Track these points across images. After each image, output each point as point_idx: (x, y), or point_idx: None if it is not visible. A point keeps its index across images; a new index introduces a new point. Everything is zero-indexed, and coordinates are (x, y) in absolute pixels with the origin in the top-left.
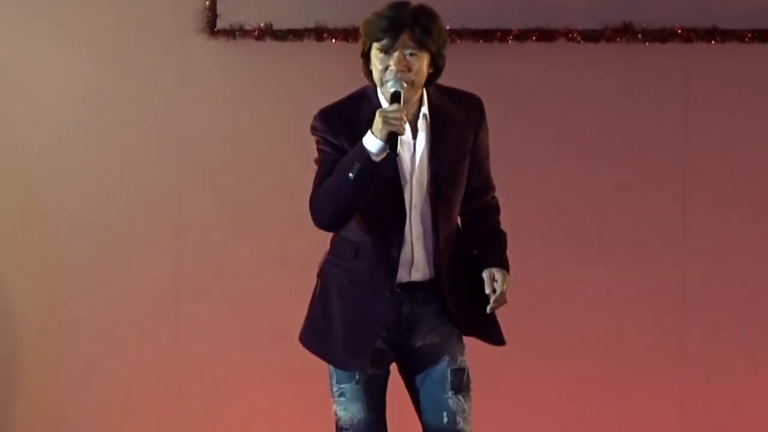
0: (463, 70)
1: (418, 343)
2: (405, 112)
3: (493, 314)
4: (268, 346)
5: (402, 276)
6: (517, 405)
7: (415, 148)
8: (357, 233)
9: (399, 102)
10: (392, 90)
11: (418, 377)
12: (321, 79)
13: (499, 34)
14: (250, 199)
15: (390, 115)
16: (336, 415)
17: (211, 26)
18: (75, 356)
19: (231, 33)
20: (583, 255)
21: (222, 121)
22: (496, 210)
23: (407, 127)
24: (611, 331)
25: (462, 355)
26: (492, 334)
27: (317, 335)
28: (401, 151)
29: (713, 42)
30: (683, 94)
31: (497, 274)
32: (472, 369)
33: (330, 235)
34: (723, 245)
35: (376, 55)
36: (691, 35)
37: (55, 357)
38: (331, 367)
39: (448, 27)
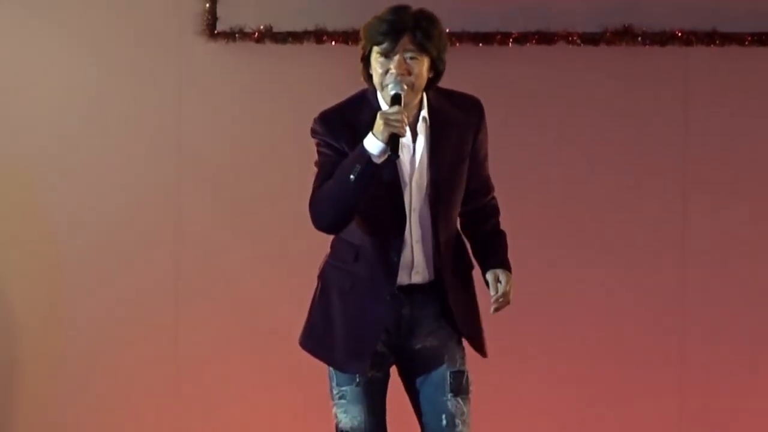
0: (463, 73)
1: (418, 346)
2: (406, 114)
3: (481, 326)
4: (267, 346)
5: (402, 279)
6: (517, 405)
7: (414, 151)
8: (357, 236)
9: (399, 104)
10: (393, 92)
11: (418, 380)
12: (320, 81)
13: (499, 37)
14: (249, 201)
15: (391, 117)
16: (336, 418)
17: (211, 29)
18: (75, 356)
19: (231, 35)
20: (583, 255)
21: (222, 124)
22: (495, 211)
23: (407, 130)
24: (611, 331)
25: (461, 357)
26: (477, 344)
27: (318, 337)
28: (401, 154)
29: (713, 45)
30: (683, 96)
31: (501, 275)
32: (472, 368)
33: (330, 236)
34: (723, 246)
35: (376, 59)
36: (691, 38)
37: (55, 357)
38: (332, 369)
39: (448, 30)
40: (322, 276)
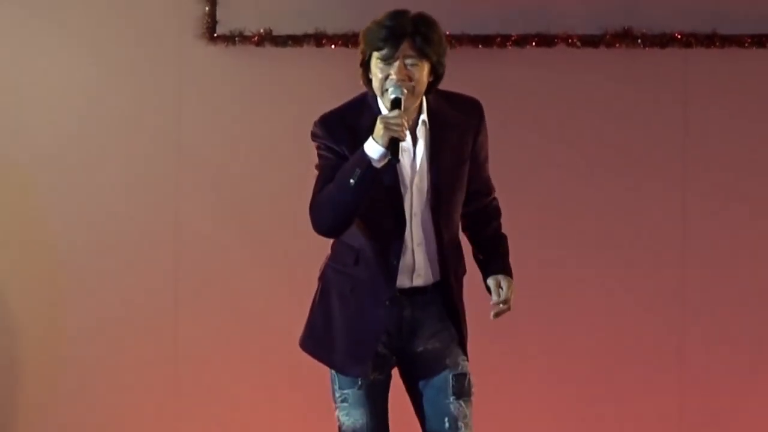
0: (463, 76)
1: (420, 348)
2: (406, 118)
3: (466, 330)
4: (267, 347)
5: (403, 282)
6: (517, 405)
7: (415, 155)
8: (357, 239)
9: (400, 108)
10: (393, 96)
11: (420, 382)
12: (320, 84)
13: (499, 39)
14: (249, 203)
15: (391, 121)
16: (338, 420)
17: (211, 32)
18: (75, 357)
19: (231, 39)
20: (583, 256)
21: (221, 127)
22: (497, 212)
23: (407, 134)
24: (611, 331)
25: (463, 360)
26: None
27: (318, 339)
28: (401, 158)
29: (713, 47)
30: (683, 98)
31: (503, 281)
32: (473, 368)
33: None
34: (723, 246)
35: (376, 65)
36: (691, 40)
37: (55, 358)
38: (334, 372)
39: (447, 32)
40: (323, 278)
